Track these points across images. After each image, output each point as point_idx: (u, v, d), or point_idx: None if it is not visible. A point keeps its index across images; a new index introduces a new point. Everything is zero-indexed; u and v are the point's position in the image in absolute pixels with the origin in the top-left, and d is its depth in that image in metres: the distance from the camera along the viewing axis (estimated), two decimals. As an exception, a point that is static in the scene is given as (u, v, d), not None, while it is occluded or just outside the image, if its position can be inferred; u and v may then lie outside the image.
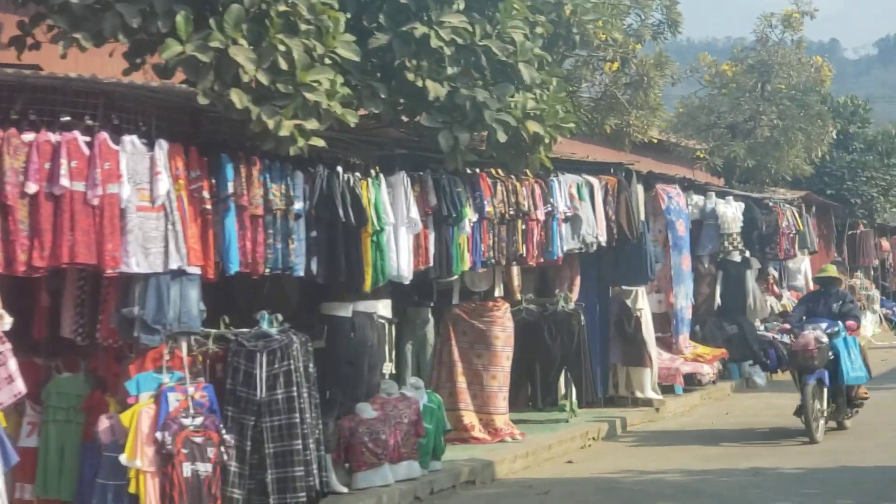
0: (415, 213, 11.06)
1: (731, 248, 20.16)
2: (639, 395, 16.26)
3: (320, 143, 8.54)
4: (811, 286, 24.43)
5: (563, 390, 15.24)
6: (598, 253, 15.74)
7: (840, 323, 14.06)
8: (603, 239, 15.07)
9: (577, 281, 15.65)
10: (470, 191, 12.17)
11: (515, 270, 14.33)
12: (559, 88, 11.43)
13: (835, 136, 25.20)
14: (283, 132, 8.21)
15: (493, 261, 12.71)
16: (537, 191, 13.49)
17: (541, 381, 14.70)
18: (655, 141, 20.44)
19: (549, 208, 13.68)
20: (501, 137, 10.07)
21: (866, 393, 14.83)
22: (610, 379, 16.41)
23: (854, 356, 14.13)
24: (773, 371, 21.02)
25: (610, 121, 17.06)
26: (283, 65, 8.17)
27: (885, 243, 35.11)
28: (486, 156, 11.62)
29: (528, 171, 12.16)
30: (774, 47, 23.93)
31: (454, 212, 11.68)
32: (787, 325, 14.90)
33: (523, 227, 13.22)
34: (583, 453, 13.42)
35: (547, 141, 10.96)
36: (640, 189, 17.26)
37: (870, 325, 14.29)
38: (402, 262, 10.89)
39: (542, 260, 13.69)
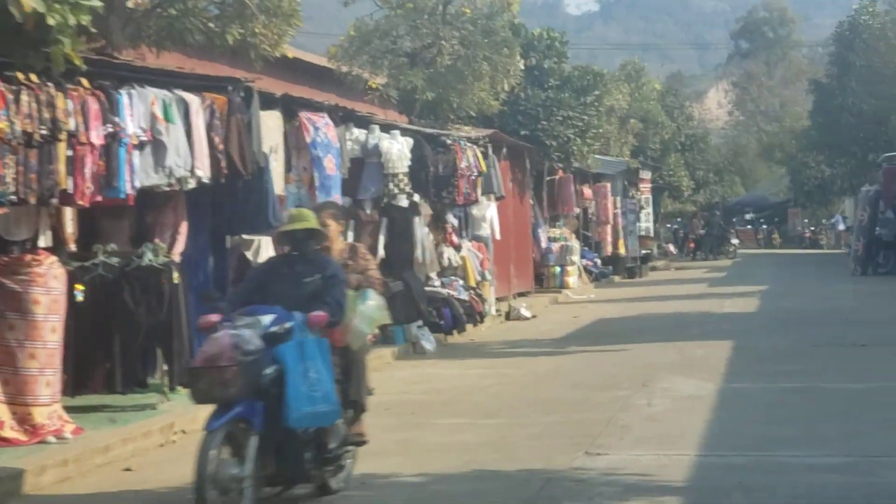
0: None
1: (396, 190, 17.22)
2: (263, 369, 13.06)
3: None
4: (497, 235, 21.94)
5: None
6: (213, 193, 12.59)
7: (300, 315, 7.61)
8: (204, 174, 11.80)
9: (183, 228, 12.34)
10: (-35, 98, 8.65)
11: (69, 213, 10.85)
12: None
13: (523, 68, 22.55)
14: None
15: (11, 198, 9.21)
16: (92, 105, 10.03)
17: (121, 358, 11.36)
18: (290, 56, 17.24)
19: (111, 129, 10.26)
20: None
21: (362, 433, 8.57)
22: (229, 350, 13.18)
23: (316, 375, 7.46)
24: (448, 333, 18.30)
25: (233, 30, 13.74)
26: None
27: (588, 191, 33.11)
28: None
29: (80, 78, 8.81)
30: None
31: (-71, 126, 8.15)
32: (214, 318, 7.68)
33: (69, 153, 9.77)
34: (159, 453, 10.11)
35: (52, 22, 7.55)
36: (276, 116, 14.15)
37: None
38: None
39: (100, 198, 10.27)
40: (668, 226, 59.35)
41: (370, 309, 8.25)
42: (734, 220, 63.58)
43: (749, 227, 66.58)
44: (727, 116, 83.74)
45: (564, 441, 9.73)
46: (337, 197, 15.45)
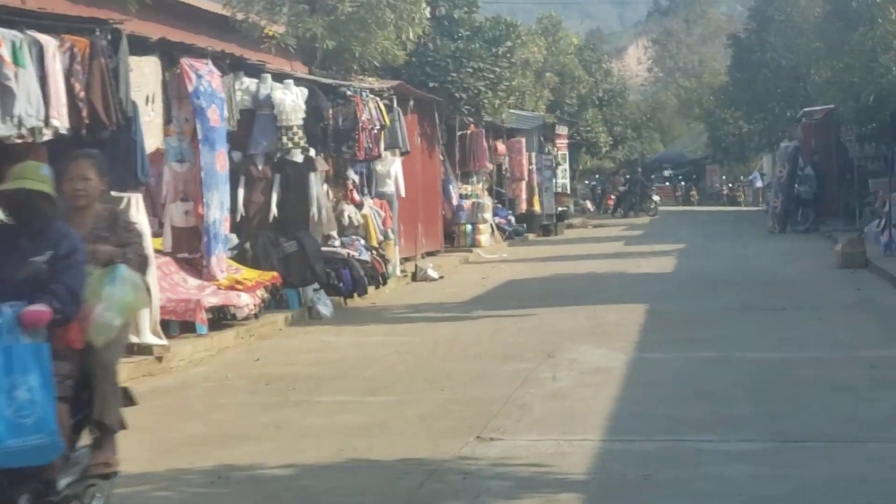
0: None
1: (290, 144, 16.10)
2: (134, 339, 11.92)
3: None
4: (402, 192, 20.91)
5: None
6: (77, 146, 11.37)
7: (9, 310, 5.55)
8: (62, 124, 10.61)
9: (44, 184, 11.13)
10: None
11: None
12: None
13: (430, 16, 21.42)
14: None
15: None
16: (-81, 45, 8.84)
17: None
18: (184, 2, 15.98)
19: (-58, 73, 9.06)
20: None
21: (110, 463, 6.23)
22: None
23: (28, 395, 5.41)
24: (348, 296, 17.21)
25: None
26: None
27: (501, 146, 32.08)
28: None
29: None
30: None
31: None
32: None
33: None
34: None
35: None
36: (153, 63, 12.98)
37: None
38: None
39: (-70, 151, 9.08)
40: (587, 182, 58.59)
41: (121, 292, 6.11)
42: (653, 176, 62.99)
43: (667, 183, 66.06)
44: (646, 73, 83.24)
45: (456, 423, 8.72)
46: (223, 151, 14.35)
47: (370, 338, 13.81)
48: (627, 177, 50.91)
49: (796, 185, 32.14)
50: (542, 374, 10.75)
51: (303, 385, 10.64)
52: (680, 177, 67.26)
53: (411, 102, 22.47)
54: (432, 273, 21.25)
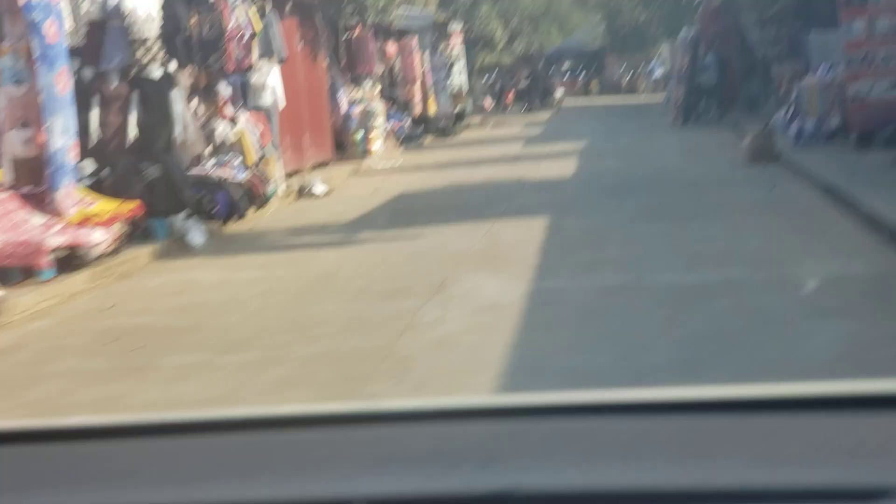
0: None
1: (147, 59, 14.50)
2: (-37, 293, 10.44)
3: None
4: (281, 102, 19.39)
5: None
6: None
7: None
8: None
9: None
10: None
11: None
12: None
13: None
14: None
15: None
16: None
17: None
18: None
19: None
20: None
21: None
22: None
23: None
24: (223, 222, 15.72)
25: None
26: None
27: (391, 48, 30.44)
28: None
29: None
30: None
31: None
32: None
33: None
34: None
35: None
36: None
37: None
38: None
39: None
40: (487, 77, 57.01)
41: None
42: (551, 70, 61.55)
43: (567, 75, 64.68)
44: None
45: (322, 390, 7.34)
46: (65, 69, 12.73)
47: (241, 273, 12.40)
48: (529, 71, 49.48)
49: (697, 75, 30.99)
50: (428, 316, 9.38)
51: (152, 341, 9.18)
52: (580, 68, 65.89)
53: (289, 5, 20.82)
54: (318, 189, 19.77)
